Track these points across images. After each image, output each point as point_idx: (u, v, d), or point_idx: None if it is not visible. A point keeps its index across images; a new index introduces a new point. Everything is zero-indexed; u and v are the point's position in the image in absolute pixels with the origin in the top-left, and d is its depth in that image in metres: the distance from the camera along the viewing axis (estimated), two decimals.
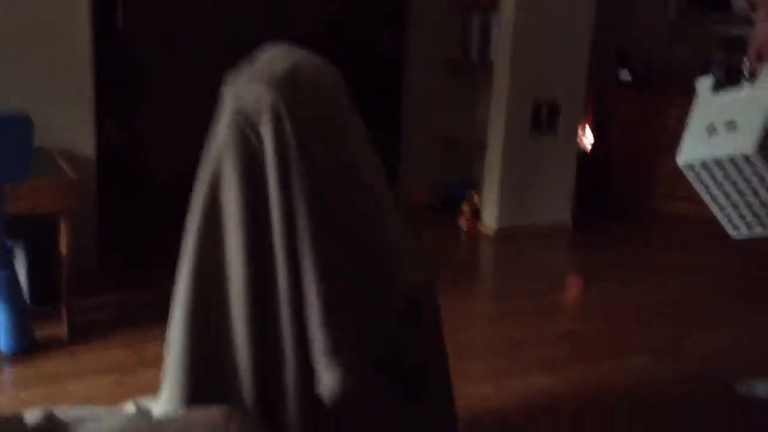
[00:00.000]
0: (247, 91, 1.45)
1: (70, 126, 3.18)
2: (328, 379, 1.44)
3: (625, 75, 5.06)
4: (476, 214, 4.42)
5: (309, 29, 5.56)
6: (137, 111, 5.33)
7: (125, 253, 3.69)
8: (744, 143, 1.83)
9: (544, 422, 2.27)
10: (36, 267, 2.95)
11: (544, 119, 4.31)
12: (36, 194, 2.58)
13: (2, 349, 2.56)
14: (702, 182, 1.97)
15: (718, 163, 1.91)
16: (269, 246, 1.44)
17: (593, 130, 5.07)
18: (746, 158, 1.83)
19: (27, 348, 2.58)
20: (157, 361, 2.50)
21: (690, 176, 1.94)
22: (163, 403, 1.55)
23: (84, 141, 3.22)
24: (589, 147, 5.07)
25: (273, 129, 1.41)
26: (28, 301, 2.75)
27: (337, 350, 1.43)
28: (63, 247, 2.67)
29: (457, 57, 4.85)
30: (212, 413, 1.39)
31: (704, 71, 4.81)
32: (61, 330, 2.72)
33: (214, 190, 1.47)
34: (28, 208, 2.57)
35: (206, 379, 1.51)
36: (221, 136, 1.47)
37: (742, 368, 2.67)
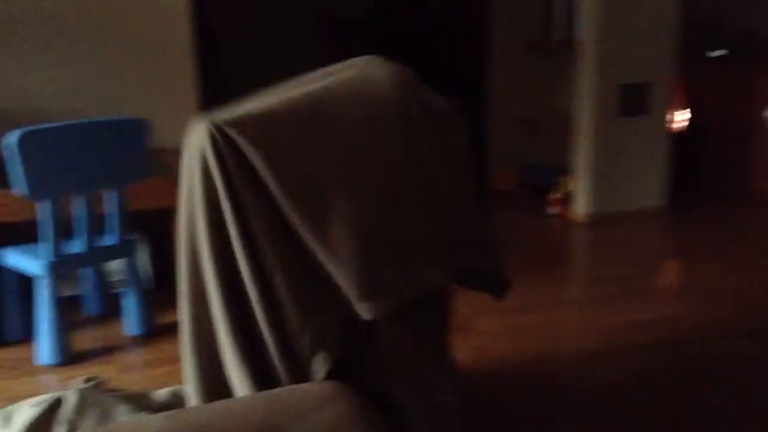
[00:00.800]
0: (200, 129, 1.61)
1: (178, 126, 3.41)
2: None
3: (717, 50, 4.92)
4: (566, 199, 4.44)
5: (393, 8, 5.68)
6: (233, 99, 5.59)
7: None
8: None
9: (633, 405, 2.31)
10: (157, 257, 3.22)
11: (634, 100, 4.27)
12: (154, 191, 2.82)
13: (128, 332, 2.83)
14: None
15: None
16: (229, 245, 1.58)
17: (686, 109, 4.97)
18: None
19: (150, 331, 2.84)
20: None
21: None
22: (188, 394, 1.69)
23: None
24: (681, 126, 4.98)
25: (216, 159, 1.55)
26: (154, 288, 3.00)
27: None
28: None
29: (539, 37, 4.86)
30: (322, 387, 1.53)
31: None
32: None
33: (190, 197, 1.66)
34: (148, 204, 2.82)
35: (211, 368, 1.67)
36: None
37: None
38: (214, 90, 5.54)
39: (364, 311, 1.59)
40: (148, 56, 3.34)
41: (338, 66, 1.76)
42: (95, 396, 2.01)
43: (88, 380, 2.07)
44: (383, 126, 1.67)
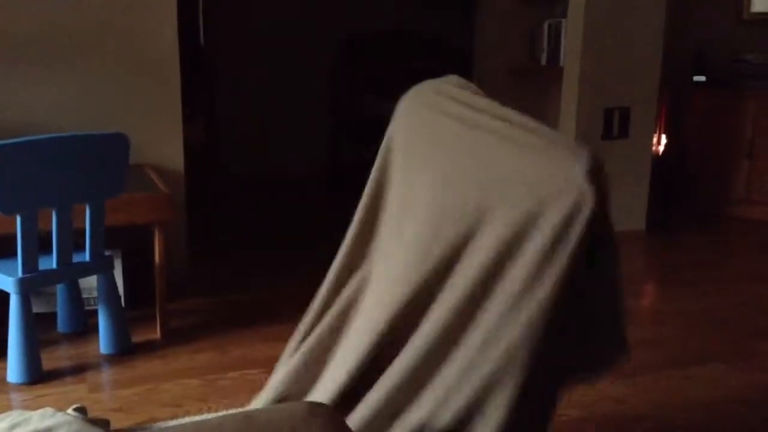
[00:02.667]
0: None
1: (160, 142, 3.39)
2: None
3: (699, 77, 4.99)
4: None
5: (380, 30, 5.73)
6: (214, 115, 5.62)
7: (213, 258, 3.90)
8: None
9: (613, 430, 2.30)
10: (132, 274, 3.17)
11: (616, 124, 4.31)
12: (132, 207, 2.77)
13: (102, 350, 2.77)
14: None
15: None
16: None
17: (667, 134, 5.01)
18: None
19: (124, 350, 2.77)
20: (243, 364, 2.67)
21: None
22: None
23: (173, 155, 3.43)
24: (663, 151, 5.02)
25: None
26: (124, 306, 2.95)
27: None
28: (156, 256, 2.86)
29: (525, 62, 4.90)
30: (297, 407, 1.49)
31: None
32: (155, 333, 2.92)
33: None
34: (125, 220, 2.77)
35: None
36: None
37: None
38: (200, 108, 5.54)
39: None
40: (134, 73, 3.31)
41: None
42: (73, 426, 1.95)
43: (77, 409, 2.01)
44: None
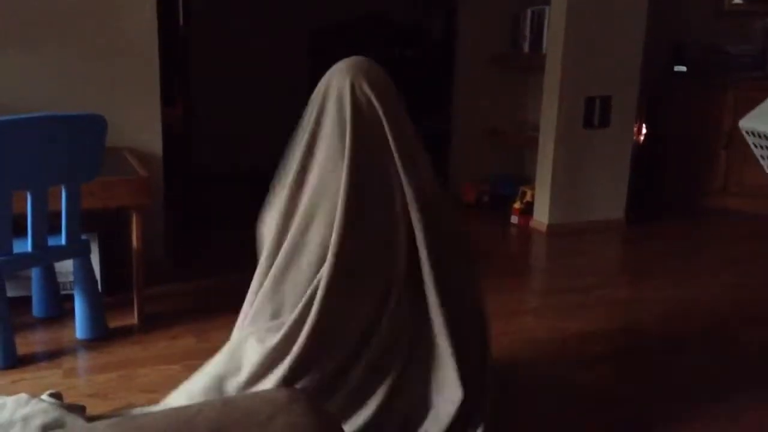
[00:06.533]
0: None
1: (138, 125, 3.34)
2: None
3: (680, 67, 5.01)
4: (528, 209, 4.45)
5: (359, 16, 5.69)
6: (193, 102, 5.55)
7: (191, 243, 3.87)
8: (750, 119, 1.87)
9: (587, 417, 2.31)
10: (109, 259, 3.12)
11: (597, 113, 4.31)
12: (109, 191, 2.73)
13: (78, 335, 2.73)
14: (753, 146, 2.03)
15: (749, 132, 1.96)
16: None
17: (647, 124, 5.03)
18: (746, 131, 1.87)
19: (101, 335, 2.74)
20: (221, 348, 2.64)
21: (748, 140, 2.00)
22: None
23: (152, 138, 3.38)
24: (643, 140, 5.04)
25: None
26: (101, 290, 2.91)
27: None
28: (134, 240, 2.82)
29: (507, 49, 4.89)
30: (276, 393, 1.48)
31: (761, 63, 4.79)
32: (132, 318, 2.89)
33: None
34: (102, 204, 2.73)
35: None
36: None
37: None
38: (178, 92, 5.47)
39: None
40: (113, 54, 3.25)
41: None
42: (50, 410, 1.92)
43: (51, 395, 1.98)
44: None
